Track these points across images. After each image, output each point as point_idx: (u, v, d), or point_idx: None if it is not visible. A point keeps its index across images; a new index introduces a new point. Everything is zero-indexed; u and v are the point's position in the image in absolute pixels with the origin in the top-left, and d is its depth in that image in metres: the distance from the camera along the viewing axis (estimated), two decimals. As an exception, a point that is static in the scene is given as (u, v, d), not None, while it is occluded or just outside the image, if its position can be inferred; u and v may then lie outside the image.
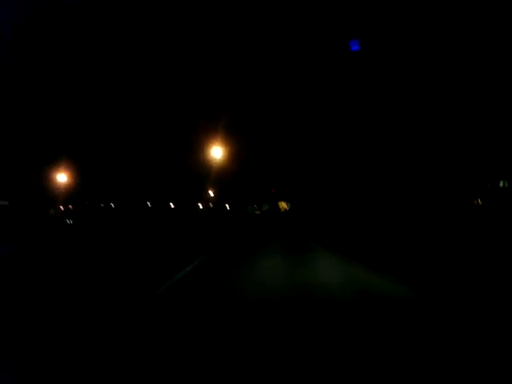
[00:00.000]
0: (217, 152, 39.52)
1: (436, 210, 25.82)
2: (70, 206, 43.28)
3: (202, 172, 39.65)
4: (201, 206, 46.35)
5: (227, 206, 46.72)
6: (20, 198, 37.75)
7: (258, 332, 4.48)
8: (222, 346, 4.11)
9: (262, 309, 5.52)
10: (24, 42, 32.31)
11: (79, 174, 41.20)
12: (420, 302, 5.54)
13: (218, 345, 4.16)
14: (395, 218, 22.52)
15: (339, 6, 28.33)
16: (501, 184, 29.23)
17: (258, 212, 43.87)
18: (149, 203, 51.63)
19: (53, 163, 39.78)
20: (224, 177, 39.32)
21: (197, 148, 39.16)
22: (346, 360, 3.52)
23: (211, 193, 39.18)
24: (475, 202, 31.63)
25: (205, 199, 42.27)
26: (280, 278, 8.23)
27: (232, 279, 8.51)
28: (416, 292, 6.14)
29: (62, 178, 40.82)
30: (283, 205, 48.41)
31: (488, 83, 27.11)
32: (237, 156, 39.30)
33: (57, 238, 19.91)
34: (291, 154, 42.50)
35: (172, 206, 49.84)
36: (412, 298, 5.76)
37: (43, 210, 36.05)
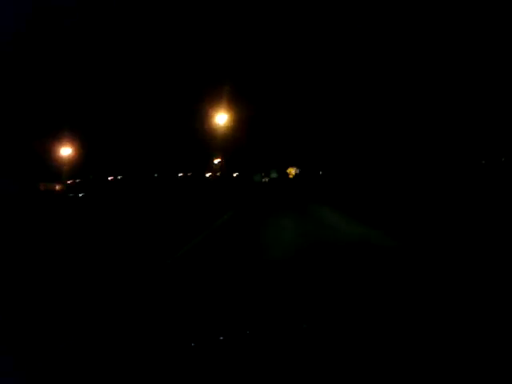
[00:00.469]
0: (222, 118, 38.22)
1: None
2: (69, 182, 42.69)
3: (208, 139, 38.59)
4: (208, 175, 45.45)
5: (234, 174, 45.75)
6: (21, 172, 37.15)
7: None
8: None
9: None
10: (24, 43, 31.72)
11: (84, 147, 40.41)
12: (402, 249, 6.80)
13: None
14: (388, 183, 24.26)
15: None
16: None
17: (266, 179, 42.73)
18: (156, 174, 51.07)
19: (55, 135, 39.01)
20: (230, 144, 38.22)
21: (202, 114, 37.92)
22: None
23: (216, 161, 38.09)
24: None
25: (211, 168, 41.28)
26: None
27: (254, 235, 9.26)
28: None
29: (65, 151, 40.16)
30: (292, 171, 47.17)
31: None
32: (243, 122, 38.05)
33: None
34: (299, 120, 41.07)
35: (180, 175, 49.14)
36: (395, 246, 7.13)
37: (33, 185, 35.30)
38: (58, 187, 40.65)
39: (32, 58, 32.47)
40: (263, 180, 42.46)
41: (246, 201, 22.79)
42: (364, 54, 32.75)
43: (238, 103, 37.66)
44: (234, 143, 38.56)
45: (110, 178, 50.35)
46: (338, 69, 35.80)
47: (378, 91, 34.16)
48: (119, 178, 49.44)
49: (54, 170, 39.87)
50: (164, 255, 6.97)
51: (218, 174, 45.94)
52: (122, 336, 2.50)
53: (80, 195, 38.28)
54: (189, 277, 5.54)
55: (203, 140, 39.18)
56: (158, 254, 7.20)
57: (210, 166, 40.59)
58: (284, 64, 38.53)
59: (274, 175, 42.50)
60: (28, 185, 33.02)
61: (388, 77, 32.72)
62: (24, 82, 35.21)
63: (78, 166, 41.11)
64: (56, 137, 38.47)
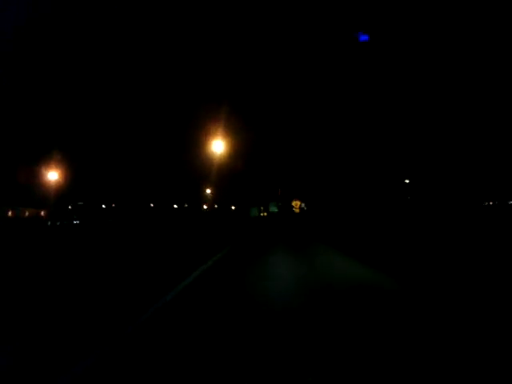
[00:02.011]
0: (218, 146, 35.42)
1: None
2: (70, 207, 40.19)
3: (203, 167, 35.68)
4: (205, 207, 42.28)
5: (233, 207, 42.34)
6: (5, 197, 34.85)
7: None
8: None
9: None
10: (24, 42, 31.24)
11: (72, 172, 38.09)
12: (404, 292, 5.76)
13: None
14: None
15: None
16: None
17: (264, 214, 38.61)
18: (152, 204, 48.30)
19: (43, 159, 36.82)
20: (226, 173, 35.14)
21: (198, 142, 35.28)
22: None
23: (208, 191, 34.78)
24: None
25: (204, 198, 38.03)
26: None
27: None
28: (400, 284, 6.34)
29: (52, 175, 37.84)
30: (297, 204, 41.32)
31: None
32: (241, 150, 35.12)
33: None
34: (302, 150, 38.01)
35: (175, 206, 46.17)
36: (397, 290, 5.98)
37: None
38: (43, 213, 38.20)
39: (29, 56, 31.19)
40: (261, 214, 38.26)
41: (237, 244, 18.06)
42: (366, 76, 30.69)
43: (236, 130, 34.98)
44: (231, 173, 35.51)
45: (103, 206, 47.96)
46: (342, 93, 33.19)
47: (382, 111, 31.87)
48: (113, 206, 46.87)
49: (40, 195, 37.57)
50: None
51: (216, 206, 42.76)
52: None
53: (58, 223, 35.55)
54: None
55: (198, 168, 36.31)
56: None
57: (203, 197, 37.39)
58: (284, 89, 35.94)
59: (273, 209, 37.79)
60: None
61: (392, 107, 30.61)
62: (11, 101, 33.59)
63: (67, 191, 38.69)
64: (43, 161, 36.30)
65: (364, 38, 22.22)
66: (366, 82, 31.26)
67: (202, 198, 37.86)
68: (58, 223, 33.94)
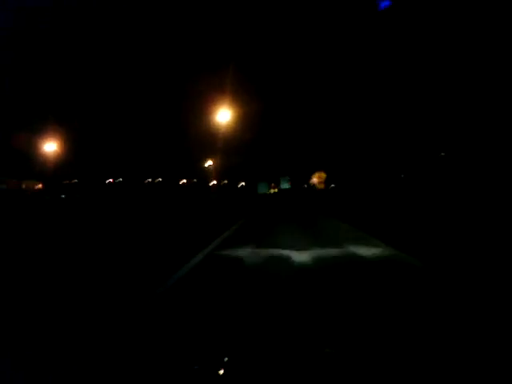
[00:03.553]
0: (225, 116, 32.19)
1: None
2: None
3: (211, 142, 32.63)
4: (214, 182, 39.37)
5: (243, 183, 39.26)
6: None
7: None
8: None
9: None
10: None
11: (71, 143, 35.64)
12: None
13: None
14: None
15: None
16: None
17: (275, 190, 34.99)
18: (160, 179, 45.71)
19: (39, 129, 34.42)
20: (235, 147, 31.94)
21: (207, 112, 32.22)
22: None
23: (210, 162, 31.39)
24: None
25: (210, 173, 34.84)
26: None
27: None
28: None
29: (50, 146, 35.44)
30: (322, 176, 35.12)
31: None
32: (250, 122, 31.85)
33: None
34: (318, 121, 34.43)
35: (184, 181, 43.57)
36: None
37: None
38: (39, 186, 36.13)
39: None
40: (271, 191, 34.50)
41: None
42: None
43: (246, 100, 31.84)
44: (240, 144, 32.33)
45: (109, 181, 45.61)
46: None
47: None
48: (119, 180, 44.48)
49: (37, 167, 35.40)
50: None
51: (225, 182, 39.84)
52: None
53: (63, 196, 33.22)
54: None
55: (207, 141, 33.25)
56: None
57: (211, 171, 34.26)
58: (297, 55, 32.77)
59: (285, 185, 33.77)
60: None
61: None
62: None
63: (66, 164, 36.33)
64: (39, 131, 33.83)
65: (385, 4, 22.59)
66: (386, 47, 28.56)
67: (211, 173, 34.78)
68: (63, 196, 31.72)
